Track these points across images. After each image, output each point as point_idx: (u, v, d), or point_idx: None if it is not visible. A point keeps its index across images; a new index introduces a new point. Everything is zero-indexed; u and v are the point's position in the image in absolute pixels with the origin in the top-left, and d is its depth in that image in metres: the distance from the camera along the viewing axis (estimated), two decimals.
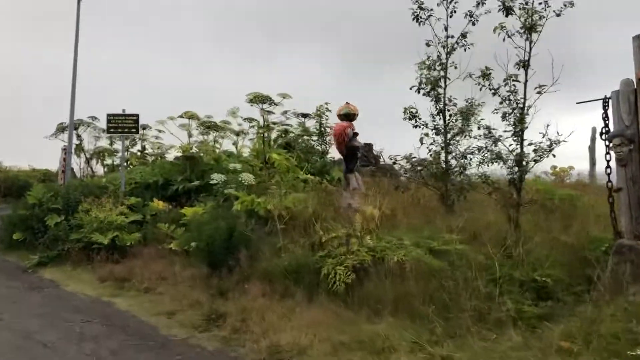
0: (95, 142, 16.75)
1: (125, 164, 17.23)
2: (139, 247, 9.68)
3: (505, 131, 7.29)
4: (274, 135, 14.06)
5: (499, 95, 7.25)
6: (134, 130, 11.51)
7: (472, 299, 5.49)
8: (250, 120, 13.39)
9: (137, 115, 11.44)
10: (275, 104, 12.72)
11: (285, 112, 14.65)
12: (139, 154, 16.49)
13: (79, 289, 8.05)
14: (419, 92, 8.51)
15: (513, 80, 7.15)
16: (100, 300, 7.33)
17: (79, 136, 16.14)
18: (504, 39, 7.18)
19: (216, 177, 11.23)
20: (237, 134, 15.55)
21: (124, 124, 11.39)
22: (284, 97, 12.73)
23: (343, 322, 5.41)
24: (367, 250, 6.33)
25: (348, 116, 16.46)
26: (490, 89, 7.30)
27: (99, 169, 17.53)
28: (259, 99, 12.46)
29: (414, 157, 8.53)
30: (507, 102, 7.22)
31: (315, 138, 13.91)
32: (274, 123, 13.45)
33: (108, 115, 11.39)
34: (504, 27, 7.15)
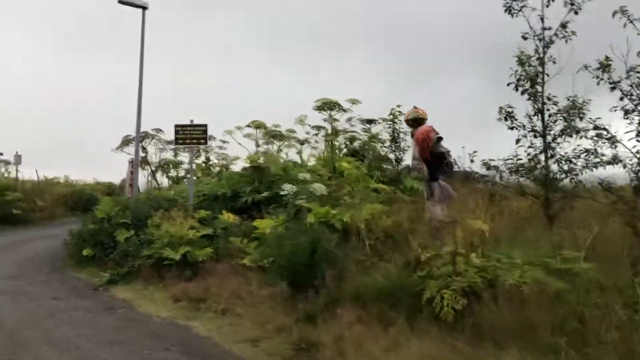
0: (160, 154, 16.64)
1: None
2: (210, 263, 9.21)
3: (627, 131, 6.34)
4: (340, 142, 13.40)
5: (620, 90, 6.31)
6: (202, 141, 11.13)
7: (612, 329, 4.62)
8: (318, 128, 12.80)
9: (205, 126, 11.06)
10: (344, 110, 12.11)
11: (350, 119, 13.99)
12: (203, 165, 16.23)
13: (153, 309, 7.60)
14: (516, 89, 7.64)
15: (637, 72, 6.20)
16: (177, 324, 6.83)
17: (144, 148, 16.03)
18: (624, 25, 6.25)
19: (286, 188, 10.66)
20: (302, 142, 15.00)
21: (192, 135, 11.01)
22: (352, 103, 12.08)
23: (461, 357, 4.64)
24: (477, 271, 5.53)
25: (417, 121, 15.54)
26: (609, 83, 6.36)
27: (163, 181, 17.43)
28: (327, 106, 11.88)
29: (515, 161, 7.63)
30: (629, 97, 6.27)
31: (386, 144, 13.16)
32: (342, 130, 12.79)
33: (176, 126, 11.06)
34: (626, 11, 6.22)
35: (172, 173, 17.01)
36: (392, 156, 12.68)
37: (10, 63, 50.32)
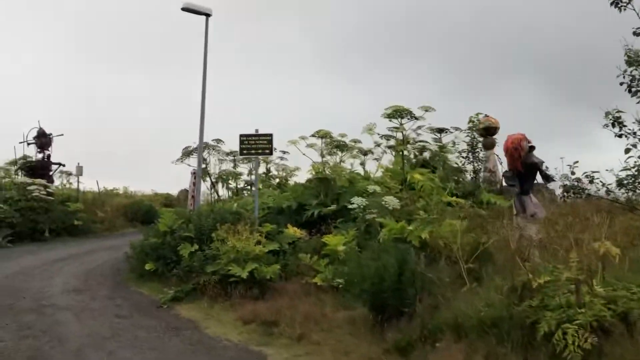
0: (220, 166, 16.33)
1: (251, 187, 16.64)
2: (279, 282, 8.66)
3: None
4: (409, 153, 12.67)
5: None
6: (267, 151, 10.65)
7: None
8: (387, 137, 12.12)
9: (270, 135, 10.58)
10: (415, 118, 11.38)
11: (418, 128, 13.24)
12: (264, 176, 15.80)
13: (221, 332, 7.07)
14: (629, 91, 6.75)
15: None
16: (249, 350, 6.26)
17: (204, 160, 15.73)
18: None
19: (356, 201, 10.03)
20: (365, 153, 14.35)
21: (257, 145, 10.55)
22: (425, 110, 11.35)
23: None
24: (604, 302, 4.70)
25: (488, 130, 14.63)
26: None
27: (223, 193, 17.13)
28: (398, 113, 11.18)
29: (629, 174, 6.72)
30: None
31: (461, 154, 12.34)
32: (412, 140, 12.07)
33: (241, 136, 10.63)
34: None
35: (232, 184, 16.69)
36: (469, 167, 11.83)
37: (70, 75, 51.97)
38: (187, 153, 15.20)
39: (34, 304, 8.65)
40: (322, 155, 12.22)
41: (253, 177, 16.83)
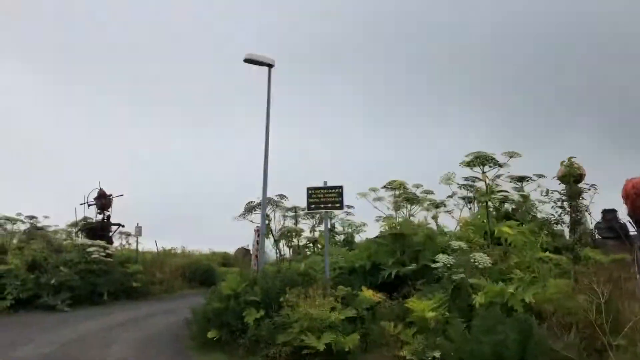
0: (283, 222, 15.51)
1: (313, 244, 15.72)
2: (359, 354, 7.57)
3: None
4: (493, 203, 11.49)
5: None
6: (337, 204, 9.74)
7: None
8: (468, 187, 11.04)
9: (340, 188, 9.72)
10: (499, 165, 10.29)
11: (497, 177, 12.10)
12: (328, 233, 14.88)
13: None
14: None
15: None
16: None
17: (267, 216, 14.97)
18: None
19: (441, 259, 8.90)
20: (437, 205, 13.26)
21: (326, 198, 9.70)
22: (510, 156, 10.25)
23: None
24: None
25: (575, 177, 13.20)
26: None
27: (285, 251, 16.26)
28: (480, 160, 10.13)
29: None
30: None
31: (554, 204, 11.04)
32: (495, 189, 10.93)
33: (309, 189, 9.82)
34: None
35: (294, 242, 15.81)
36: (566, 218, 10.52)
37: (128, 135, 53.52)
38: (249, 209, 14.49)
39: None
40: (397, 208, 11.20)
41: (316, 234, 15.99)
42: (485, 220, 10.38)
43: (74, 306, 15.95)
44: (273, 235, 14.43)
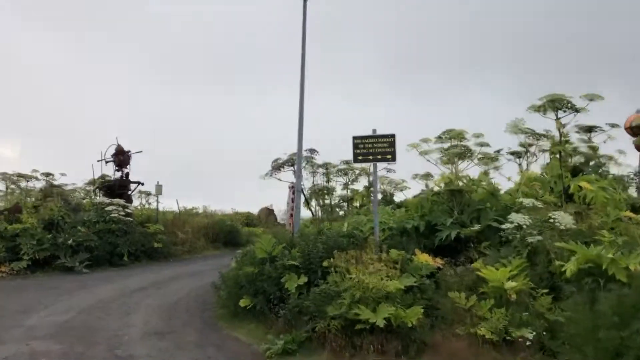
0: (313, 180, 14.23)
1: (348, 203, 14.47)
2: (426, 332, 6.35)
3: None
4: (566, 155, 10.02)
5: None
6: (389, 156, 8.38)
7: None
8: (538, 136, 9.58)
9: (392, 136, 8.33)
10: (576, 110, 8.80)
11: (563, 125, 10.60)
12: (364, 191, 13.59)
13: None
14: None
15: None
16: None
17: (294, 171, 13.71)
18: None
19: (515, 219, 7.56)
20: (494, 159, 11.79)
21: (375, 149, 8.34)
22: (590, 100, 8.73)
23: None
24: None
25: None
26: None
27: (317, 210, 15.05)
28: (554, 104, 8.64)
29: None
30: None
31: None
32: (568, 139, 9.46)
33: (355, 138, 8.46)
34: None
35: (327, 200, 14.59)
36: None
37: (151, 93, 52.39)
38: (277, 166, 13.26)
39: (108, 354, 6.79)
40: (453, 162, 9.77)
41: (349, 192, 14.70)
42: (555, 174, 8.96)
43: (93, 267, 15.05)
44: (304, 194, 13.18)
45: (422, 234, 8.75)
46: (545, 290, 6.36)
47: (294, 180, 11.19)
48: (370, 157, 8.39)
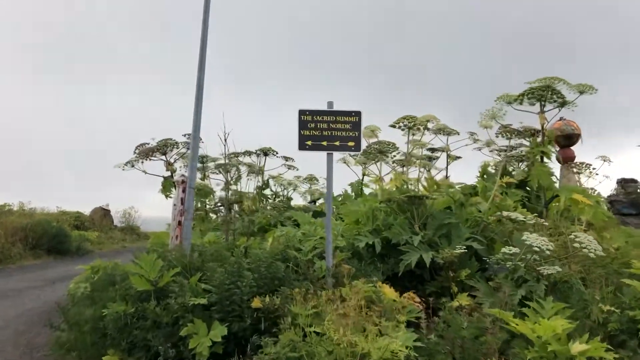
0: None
1: (229, 208, 11.54)
2: None
3: None
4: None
5: None
6: (351, 143, 5.58)
7: None
8: (514, 133, 7.62)
9: (358, 115, 5.65)
10: (562, 104, 7.04)
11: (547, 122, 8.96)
12: (256, 191, 10.71)
13: None
14: None
15: None
16: None
17: (170, 164, 10.36)
18: None
19: (532, 241, 5.49)
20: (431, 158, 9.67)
21: (332, 131, 5.60)
22: (581, 92, 7.02)
23: None
24: None
25: (570, 138, 10.60)
26: None
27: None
28: (539, 94, 6.84)
29: None
30: None
31: None
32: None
33: (302, 112, 5.61)
34: None
35: (208, 203, 11.42)
36: None
37: None
38: (144, 153, 9.83)
39: None
40: (412, 161, 7.34)
41: (230, 193, 11.70)
42: (539, 181, 7.11)
43: None
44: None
45: (378, 255, 6.26)
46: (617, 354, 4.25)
47: (185, 173, 7.97)
48: (325, 144, 5.63)
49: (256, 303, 4.87)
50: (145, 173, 10.11)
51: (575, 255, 5.41)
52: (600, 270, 5.20)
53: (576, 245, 5.31)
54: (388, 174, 9.72)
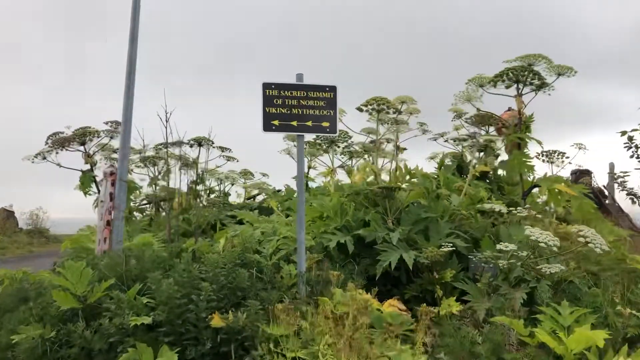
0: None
1: (159, 206, 10.37)
2: None
3: None
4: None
5: None
6: (326, 123, 4.63)
7: None
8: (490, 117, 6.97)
9: (333, 90, 4.72)
10: (541, 86, 6.52)
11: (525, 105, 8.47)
12: (192, 186, 9.54)
13: None
14: None
15: None
16: None
17: (89, 156, 8.98)
18: None
19: (535, 235, 4.88)
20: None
21: (303, 109, 4.65)
22: (559, 74, 6.51)
23: None
24: None
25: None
26: None
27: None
28: (517, 74, 6.32)
29: None
30: None
31: None
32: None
33: (266, 86, 4.59)
34: None
35: (134, 201, 10.11)
36: None
37: None
38: (59, 142, 8.43)
39: None
40: (378, 148, 6.49)
41: (158, 189, 10.48)
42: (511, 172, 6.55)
43: None
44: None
45: (351, 255, 5.41)
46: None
47: (115, 165, 6.71)
48: (295, 124, 4.66)
49: (217, 321, 3.88)
50: (60, 166, 8.72)
51: (577, 252, 4.83)
52: (609, 270, 4.65)
53: (580, 239, 4.71)
54: (340, 166, 8.95)
